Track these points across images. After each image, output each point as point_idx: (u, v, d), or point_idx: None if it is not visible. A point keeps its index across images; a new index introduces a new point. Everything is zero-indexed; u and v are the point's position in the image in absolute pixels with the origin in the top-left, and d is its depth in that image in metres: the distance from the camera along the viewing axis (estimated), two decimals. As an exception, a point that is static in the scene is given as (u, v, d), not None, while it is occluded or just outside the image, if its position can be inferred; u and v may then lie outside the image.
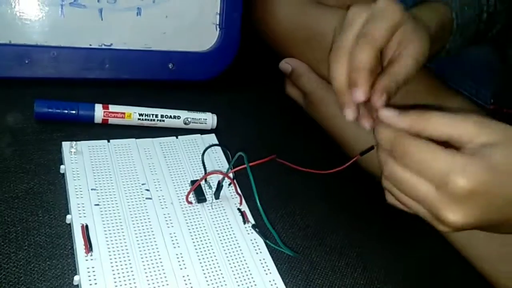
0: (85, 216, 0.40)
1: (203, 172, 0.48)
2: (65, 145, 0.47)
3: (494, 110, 0.60)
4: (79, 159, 0.46)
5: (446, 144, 0.32)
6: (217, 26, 0.62)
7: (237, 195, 0.46)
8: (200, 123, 0.55)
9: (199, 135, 0.52)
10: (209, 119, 0.55)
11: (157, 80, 0.61)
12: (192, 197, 0.45)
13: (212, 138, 0.52)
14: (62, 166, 0.45)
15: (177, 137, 0.52)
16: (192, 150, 0.51)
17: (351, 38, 0.38)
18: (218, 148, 0.51)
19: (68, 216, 0.41)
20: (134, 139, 0.50)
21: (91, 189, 0.43)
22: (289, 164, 0.49)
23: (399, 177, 0.32)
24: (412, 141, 0.32)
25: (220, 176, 0.45)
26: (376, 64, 0.38)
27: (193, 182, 0.46)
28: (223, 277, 0.39)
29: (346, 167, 0.50)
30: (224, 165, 0.49)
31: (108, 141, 0.49)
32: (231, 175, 0.45)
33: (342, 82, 0.38)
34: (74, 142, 0.46)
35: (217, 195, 0.45)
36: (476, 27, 0.52)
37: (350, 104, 0.37)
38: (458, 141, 0.31)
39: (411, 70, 0.38)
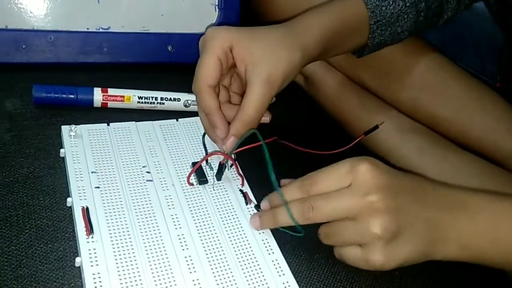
0: (85, 199, 0.40)
1: (204, 154, 0.47)
2: (65, 129, 0.46)
3: (500, 87, 0.59)
4: (79, 143, 0.45)
5: None
6: (216, 7, 0.61)
7: (238, 177, 0.45)
8: (200, 105, 0.54)
9: (199, 117, 0.52)
10: (210, 101, 0.54)
11: (156, 62, 0.60)
12: (193, 179, 0.44)
13: (212, 120, 0.52)
14: (62, 150, 0.45)
15: (177, 120, 0.51)
16: (192, 132, 0.50)
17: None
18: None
19: (69, 199, 0.40)
20: (134, 122, 0.49)
21: (91, 172, 0.43)
22: (292, 145, 0.49)
23: (319, 203, 0.37)
24: (313, 172, 0.39)
25: (222, 158, 0.44)
26: (224, 96, 0.44)
27: (194, 164, 0.46)
28: (225, 258, 0.38)
29: (351, 147, 0.49)
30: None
31: (108, 125, 0.48)
32: (232, 156, 0.45)
33: (206, 124, 0.44)
34: (74, 126, 0.46)
35: (219, 177, 0.45)
36: (416, 17, 0.50)
37: (220, 140, 0.43)
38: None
39: (258, 101, 0.41)
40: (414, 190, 0.38)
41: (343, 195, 0.37)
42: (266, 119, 0.44)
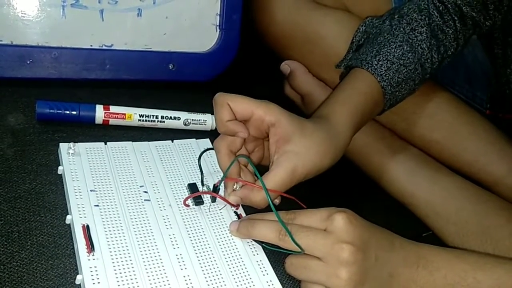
0: (85, 217, 0.41)
1: (199, 175, 0.48)
2: (63, 146, 0.47)
3: (490, 115, 0.61)
4: (77, 161, 0.46)
5: None
6: (217, 27, 0.62)
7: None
8: (200, 124, 0.55)
9: (194, 139, 0.53)
10: (209, 120, 0.56)
11: (158, 80, 0.61)
12: (189, 200, 0.45)
13: (206, 143, 0.53)
14: (60, 167, 0.45)
15: (172, 141, 0.52)
16: (187, 154, 0.51)
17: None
18: (213, 152, 0.51)
19: (68, 217, 0.41)
20: (130, 142, 0.50)
21: (90, 190, 0.43)
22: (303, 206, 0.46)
23: (296, 230, 0.39)
24: (295, 210, 0.41)
25: (216, 180, 0.45)
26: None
27: (190, 185, 0.47)
28: (222, 278, 0.39)
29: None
30: (219, 168, 0.49)
31: (105, 144, 0.49)
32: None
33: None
34: (72, 144, 0.47)
35: (213, 198, 0.46)
36: (419, 86, 0.53)
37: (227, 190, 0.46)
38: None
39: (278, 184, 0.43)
40: (382, 245, 0.40)
41: (317, 233, 0.39)
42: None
